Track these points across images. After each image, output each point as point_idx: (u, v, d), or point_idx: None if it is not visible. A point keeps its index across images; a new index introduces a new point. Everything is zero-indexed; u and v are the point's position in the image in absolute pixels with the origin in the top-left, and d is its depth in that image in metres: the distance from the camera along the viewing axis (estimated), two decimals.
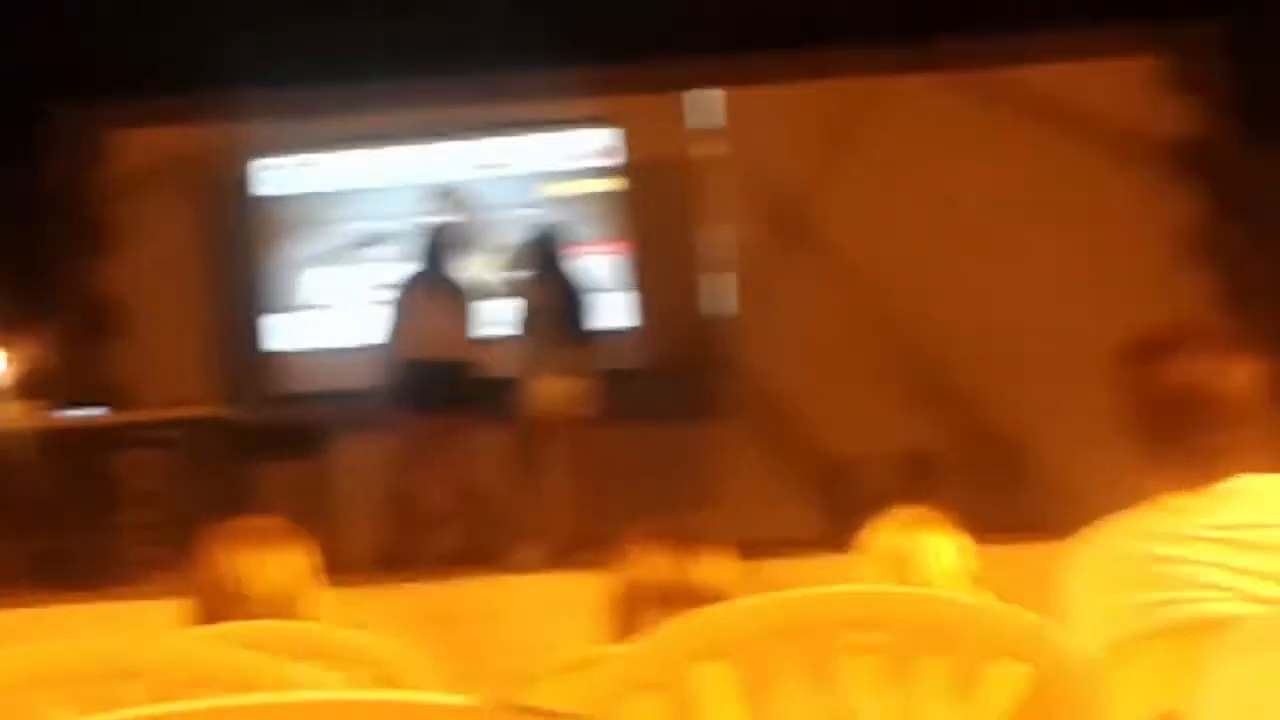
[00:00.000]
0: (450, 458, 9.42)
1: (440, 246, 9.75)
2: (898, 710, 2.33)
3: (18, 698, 2.34)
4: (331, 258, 11.53)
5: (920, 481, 10.38)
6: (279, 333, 11.43)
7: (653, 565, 3.45)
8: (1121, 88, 11.41)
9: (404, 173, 11.54)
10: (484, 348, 9.65)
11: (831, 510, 10.38)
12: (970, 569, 3.83)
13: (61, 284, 12.03)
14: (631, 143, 11.24)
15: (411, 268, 9.76)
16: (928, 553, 3.78)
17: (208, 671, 2.31)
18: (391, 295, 9.67)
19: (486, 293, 10.10)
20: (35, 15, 9.69)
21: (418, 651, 3.09)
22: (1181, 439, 2.91)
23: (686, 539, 3.54)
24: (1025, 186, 11.08)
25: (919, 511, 3.89)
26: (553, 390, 9.34)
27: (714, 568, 3.48)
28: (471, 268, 10.38)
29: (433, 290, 9.45)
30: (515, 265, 10.20)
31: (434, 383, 9.30)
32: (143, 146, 11.83)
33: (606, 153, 11.32)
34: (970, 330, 10.96)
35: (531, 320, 9.45)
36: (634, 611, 3.42)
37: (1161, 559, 2.80)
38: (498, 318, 9.80)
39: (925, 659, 2.32)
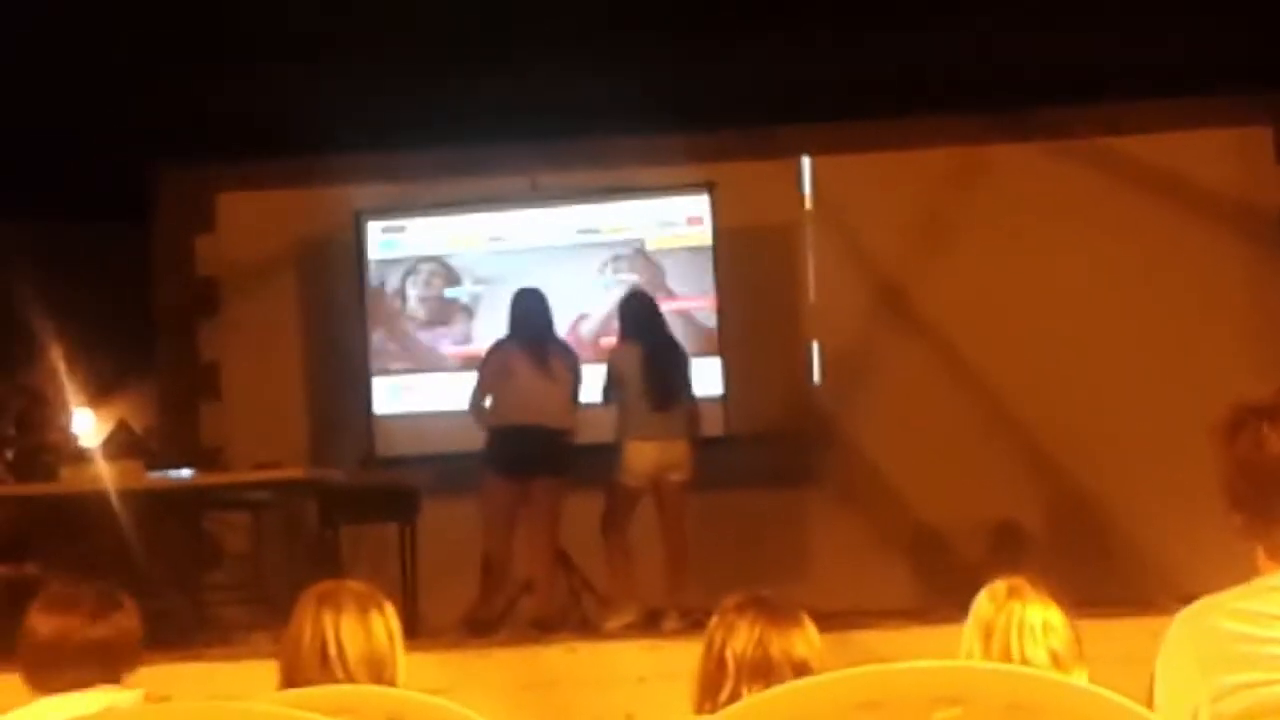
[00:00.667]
0: (541, 523, 9.41)
1: (544, 311, 9.76)
2: None
3: None
4: (436, 320, 11.60)
5: (1013, 554, 10.31)
6: (380, 396, 11.49)
7: (742, 636, 3.44)
8: (1232, 158, 11.33)
9: (508, 236, 11.59)
10: (580, 413, 9.64)
11: (923, 581, 10.32)
12: (1067, 644, 3.77)
13: (164, 344, 12.19)
14: (728, 209, 11.24)
15: (512, 332, 9.78)
16: (1024, 625, 3.72)
17: None
18: (492, 359, 9.68)
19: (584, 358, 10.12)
20: (149, 75, 9.83)
21: (498, 718, 3.08)
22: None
23: (776, 610, 3.53)
24: (1129, 259, 11.00)
25: (1016, 583, 3.83)
26: (647, 456, 9.33)
27: (802, 640, 3.46)
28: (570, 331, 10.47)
29: (532, 355, 9.46)
30: (614, 330, 10.20)
31: (529, 448, 9.30)
32: (252, 209, 11.97)
33: (703, 219, 11.33)
34: (1068, 402, 10.88)
35: (627, 385, 9.45)
36: (722, 683, 3.41)
37: (1253, 640, 2.76)
38: (594, 383, 9.81)
39: None
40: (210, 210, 12.06)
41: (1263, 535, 2.89)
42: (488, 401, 9.51)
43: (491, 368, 9.57)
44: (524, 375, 9.38)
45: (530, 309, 9.75)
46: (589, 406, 9.73)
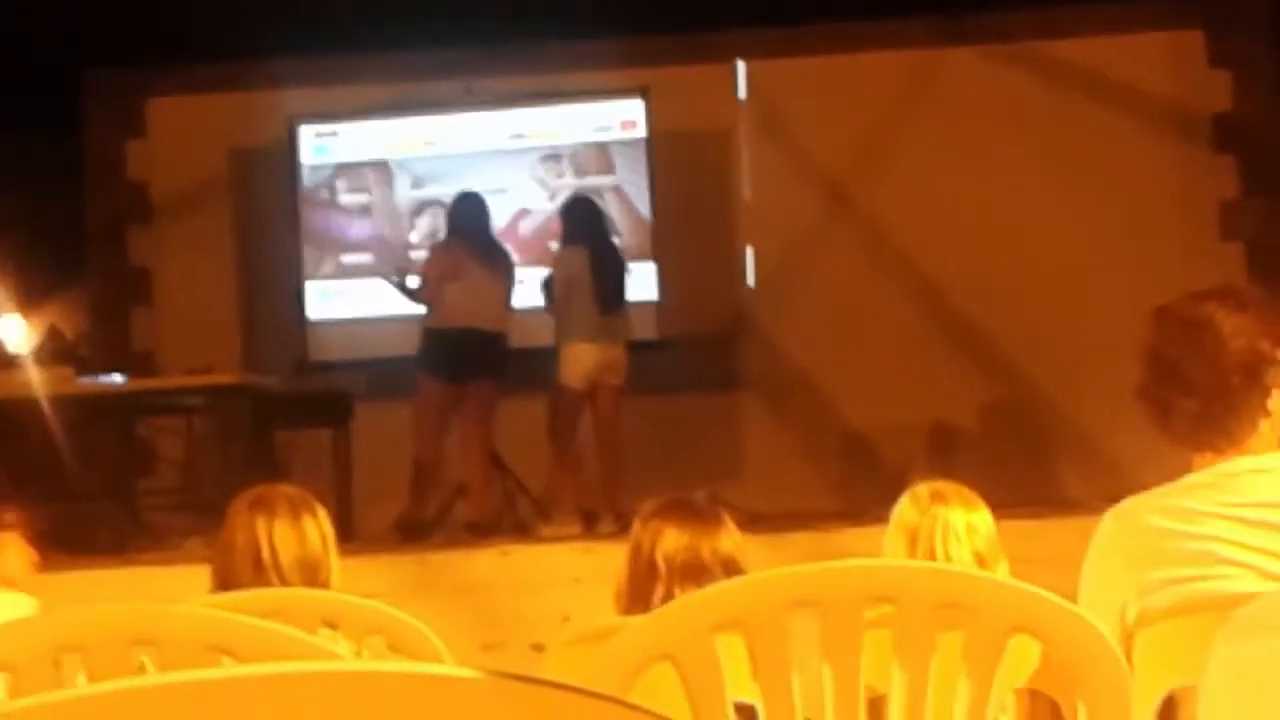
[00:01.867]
0: (475, 427, 9.41)
1: (478, 215, 9.73)
2: (912, 685, 2.33)
3: (38, 664, 2.35)
4: (369, 225, 11.56)
5: (945, 456, 10.40)
6: (312, 302, 11.45)
7: (671, 539, 3.46)
8: (1165, 62, 11.37)
9: (441, 141, 11.54)
10: (517, 317, 9.63)
11: (855, 484, 10.39)
12: (991, 545, 3.82)
13: (95, 250, 12.09)
14: (663, 113, 11.22)
15: (449, 236, 9.75)
16: (948, 528, 3.77)
17: (224, 640, 2.32)
18: (438, 259, 9.64)
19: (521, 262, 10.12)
20: None
21: (432, 622, 3.10)
22: (1207, 405, 2.89)
23: (700, 512, 3.55)
24: (1061, 160, 11.04)
25: (939, 487, 3.88)
26: (587, 359, 9.33)
27: (727, 538, 3.49)
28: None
29: (479, 256, 9.43)
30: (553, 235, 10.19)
31: (467, 351, 9.28)
32: (181, 115, 11.85)
33: (637, 123, 11.31)
34: (1002, 304, 10.94)
35: (565, 290, 9.43)
36: (653, 586, 3.43)
37: (1179, 536, 2.80)
38: (532, 287, 9.80)
39: (940, 634, 2.32)
40: (141, 116, 11.95)
41: (1212, 427, 2.91)
42: (425, 305, 9.48)
43: (437, 268, 9.51)
44: (471, 276, 9.34)
45: (473, 211, 9.72)
46: (528, 310, 9.73)
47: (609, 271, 9.47)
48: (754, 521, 3.67)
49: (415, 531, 9.18)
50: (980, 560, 3.74)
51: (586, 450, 9.49)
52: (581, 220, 9.75)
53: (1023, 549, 4.04)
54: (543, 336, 9.60)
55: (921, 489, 3.85)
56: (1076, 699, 2.24)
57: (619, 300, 9.46)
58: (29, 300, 11.98)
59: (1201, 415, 2.88)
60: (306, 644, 2.33)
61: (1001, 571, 3.71)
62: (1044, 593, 2.29)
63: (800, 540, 7.40)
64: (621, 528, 8.31)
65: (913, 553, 3.73)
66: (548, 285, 9.62)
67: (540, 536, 8.97)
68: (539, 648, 6.47)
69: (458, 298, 9.33)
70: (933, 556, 3.70)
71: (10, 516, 4.19)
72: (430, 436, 9.38)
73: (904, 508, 3.84)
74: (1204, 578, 2.75)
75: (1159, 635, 2.69)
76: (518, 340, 9.60)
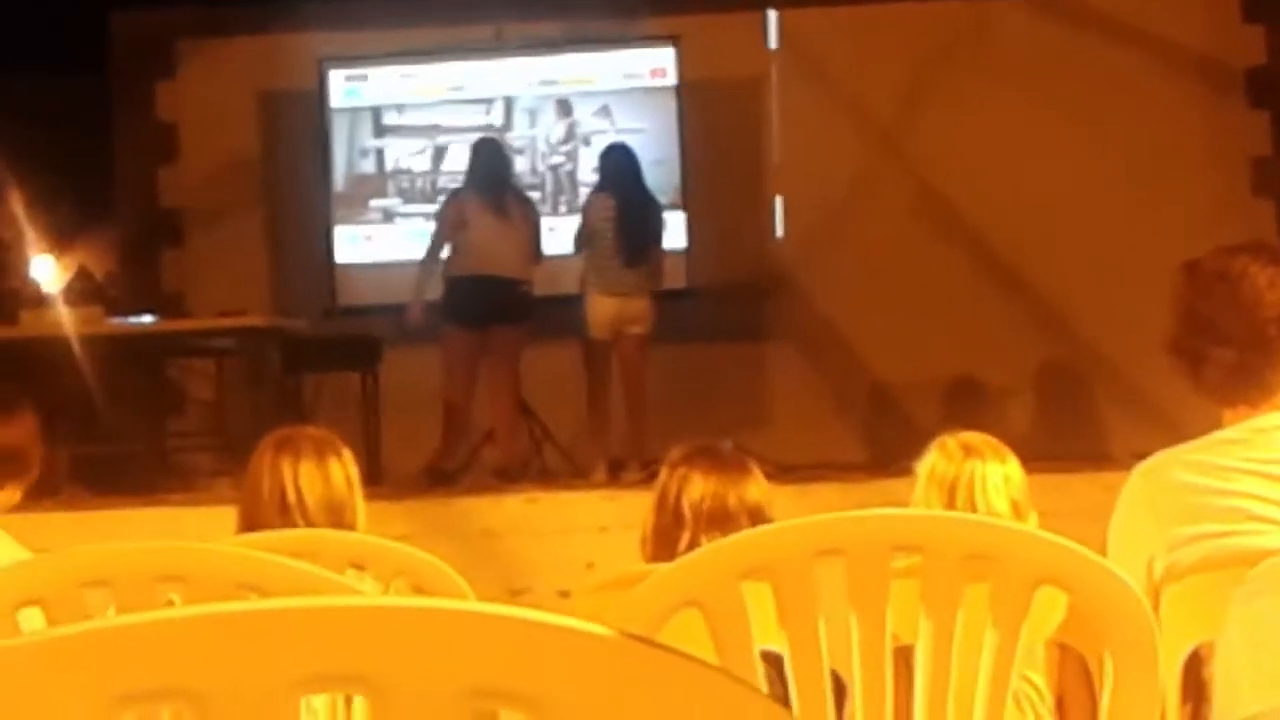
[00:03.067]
0: (500, 374, 9.42)
1: (503, 161, 9.72)
2: (939, 635, 2.33)
3: (64, 598, 2.36)
4: (398, 169, 11.56)
5: (973, 407, 10.37)
6: (341, 246, 11.45)
7: (698, 486, 3.46)
8: (1201, 16, 11.29)
9: (470, 87, 11.52)
10: (543, 265, 9.62)
11: (881, 435, 10.38)
12: (1024, 496, 3.80)
13: (124, 191, 12.10)
14: (693, 62, 11.18)
15: (469, 181, 9.73)
16: (985, 479, 3.75)
17: (252, 577, 2.33)
18: (448, 209, 9.64)
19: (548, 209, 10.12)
20: None
21: (458, 566, 3.10)
22: (1243, 356, 2.88)
23: (726, 459, 3.55)
24: (1094, 113, 10.96)
25: (971, 437, 3.86)
26: (607, 309, 9.32)
27: (755, 487, 3.48)
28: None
29: (489, 204, 9.41)
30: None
31: (486, 298, 9.28)
32: (211, 57, 11.84)
33: (667, 71, 11.27)
34: (1030, 256, 10.91)
35: (591, 238, 9.42)
36: (679, 533, 3.43)
37: (1209, 491, 2.79)
38: (561, 235, 9.78)
39: (967, 584, 2.32)
40: (170, 57, 11.93)
41: (1215, 386, 2.90)
42: (445, 252, 9.48)
43: (448, 218, 9.52)
44: (480, 225, 9.32)
45: (488, 158, 9.69)
46: (559, 257, 9.73)
47: (634, 222, 9.43)
48: (781, 472, 3.67)
49: (443, 477, 9.20)
50: (1017, 511, 3.73)
51: (614, 399, 9.50)
52: (612, 168, 9.72)
53: (1050, 502, 4.03)
54: (573, 284, 9.59)
55: (951, 441, 3.82)
56: (1103, 652, 2.23)
57: (641, 253, 9.41)
58: (59, 240, 12.01)
59: (1238, 367, 2.87)
60: (335, 583, 2.33)
61: (1031, 523, 3.69)
62: (1072, 544, 2.29)
63: (826, 491, 7.41)
64: (647, 476, 8.33)
65: (951, 505, 3.71)
66: (578, 232, 9.60)
67: (567, 483, 8.99)
68: (565, 594, 6.50)
69: (470, 245, 9.33)
70: (972, 508, 3.68)
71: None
72: (459, 383, 9.39)
73: (935, 460, 3.81)
74: (1233, 533, 2.74)
75: (1186, 590, 2.69)
76: (549, 288, 9.59)
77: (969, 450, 3.80)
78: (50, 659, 0.95)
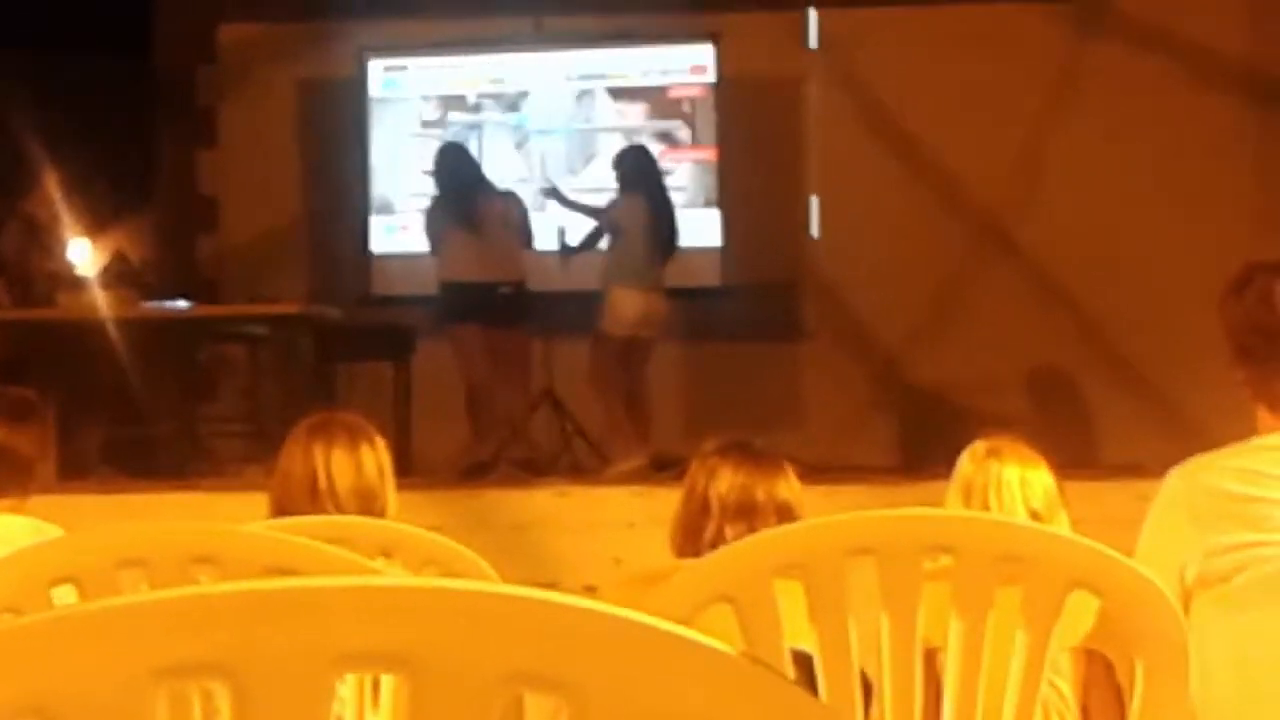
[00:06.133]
0: (512, 374, 9.43)
1: (454, 170, 9.75)
2: (969, 637, 2.32)
3: (98, 577, 2.37)
4: (434, 161, 11.57)
5: (1007, 411, 10.34)
6: (377, 235, 11.48)
7: (725, 479, 3.45)
8: (1244, 22, 11.21)
9: (509, 79, 11.53)
10: (571, 260, 9.62)
11: (913, 438, 10.36)
12: (1049, 502, 3.78)
13: (162, 176, 12.14)
14: (732, 60, 11.18)
15: (440, 193, 9.76)
16: (1001, 483, 3.73)
17: (285, 561, 2.33)
18: (427, 219, 9.71)
19: (570, 206, 10.12)
20: None
21: (486, 558, 3.10)
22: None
23: (758, 454, 3.54)
24: (1132, 120, 10.88)
25: (996, 443, 3.84)
26: (635, 305, 9.32)
27: (785, 484, 3.48)
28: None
29: (457, 214, 9.44)
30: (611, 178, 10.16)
31: (474, 306, 9.32)
32: (252, 42, 11.87)
33: (707, 68, 11.27)
34: (1067, 262, 10.85)
35: (627, 236, 9.42)
36: (704, 525, 3.43)
37: (1245, 499, 2.78)
38: (580, 230, 9.79)
39: (997, 587, 2.31)
40: (212, 41, 11.96)
41: (1265, 392, 2.90)
42: (438, 256, 9.58)
43: (429, 228, 9.63)
44: (451, 238, 9.39)
45: (451, 166, 9.73)
46: (586, 253, 9.73)
47: (665, 222, 9.45)
48: (812, 473, 3.65)
49: (479, 469, 9.20)
50: (1036, 517, 3.70)
51: (642, 395, 9.49)
52: (637, 168, 9.73)
53: (1080, 510, 4.01)
54: (583, 281, 9.59)
55: (979, 445, 3.81)
56: (1134, 656, 2.22)
57: (674, 248, 9.45)
58: (96, 224, 12.05)
59: None
60: (368, 569, 2.34)
61: (1060, 525, 3.67)
62: (1105, 548, 2.28)
63: (856, 493, 7.39)
64: (675, 475, 8.33)
65: (968, 508, 3.70)
66: (602, 231, 9.60)
67: (597, 478, 8.98)
68: (591, 589, 6.49)
69: (446, 256, 9.43)
70: (996, 512, 3.66)
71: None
72: (477, 373, 9.42)
73: (963, 462, 3.80)
74: (1267, 543, 2.73)
75: (1209, 596, 2.69)
76: (578, 283, 9.58)
77: (992, 453, 3.78)
78: (88, 632, 0.95)
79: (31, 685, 0.94)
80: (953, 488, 3.80)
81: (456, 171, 9.67)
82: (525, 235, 9.59)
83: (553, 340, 9.96)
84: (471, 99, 11.55)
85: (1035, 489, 3.74)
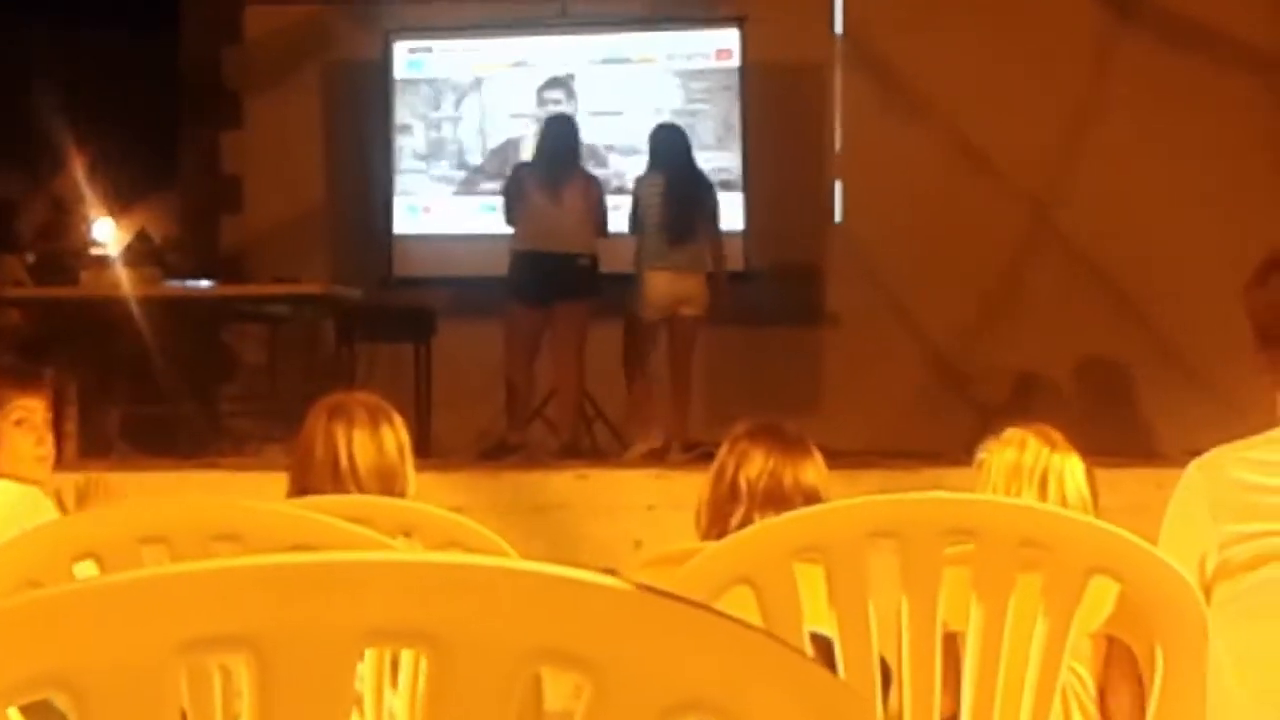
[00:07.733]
0: (565, 348, 9.41)
1: (568, 139, 9.71)
2: (989, 621, 2.32)
3: (121, 552, 2.37)
4: (458, 143, 11.58)
5: (1030, 398, 10.33)
6: (400, 217, 11.49)
7: (756, 463, 3.46)
8: (1269, 14, 11.16)
9: (533, 62, 11.52)
10: (602, 242, 9.61)
11: (937, 424, 10.33)
12: (1083, 491, 3.75)
13: (186, 155, 12.17)
14: (758, 44, 11.16)
15: (536, 157, 9.74)
16: (1038, 472, 3.70)
17: (305, 538, 2.34)
18: (509, 182, 9.67)
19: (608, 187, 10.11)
20: None
21: (505, 539, 3.10)
22: None
23: (787, 438, 3.54)
24: (1161, 110, 10.83)
25: (1045, 430, 3.80)
26: (660, 287, 9.30)
27: (812, 468, 3.48)
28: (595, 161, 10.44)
29: (545, 181, 9.41)
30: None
31: (546, 274, 9.28)
32: (279, 22, 11.89)
33: (733, 52, 11.26)
34: (1094, 249, 10.82)
35: (642, 217, 9.40)
36: (733, 509, 3.43)
37: (1264, 490, 2.77)
38: (619, 213, 9.78)
39: (1018, 572, 2.31)
40: (238, 22, 11.97)
41: None
42: (511, 226, 9.51)
43: (509, 190, 9.58)
44: (535, 201, 9.35)
45: (553, 136, 9.70)
46: (616, 236, 9.72)
47: (680, 200, 9.39)
48: (833, 457, 3.64)
49: (506, 450, 9.20)
50: (1085, 504, 3.68)
51: (660, 381, 9.47)
52: (663, 147, 9.71)
53: (1100, 498, 4.00)
54: (624, 263, 9.58)
55: (1013, 432, 3.77)
56: (1154, 643, 2.22)
57: (690, 231, 9.38)
58: (120, 202, 12.08)
59: None
60: (389, 548, 2.34)
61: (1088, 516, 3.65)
62: (1126, 533, 2.28)
63: (878, 478, 7.37)
64: (694, 457, 8.33)
65: (1018, 494, 3.65)
66: (632, 212, 9.60)
67: (618, 461, 8.98)
68: (611, 571, 6.48)
69: (527, 221, 9.38)
70: (1044, 499, 3.62)
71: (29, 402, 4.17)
72: (519, 361, 9.40)
73: (1004, 451, 3.74)
74: (1274, 533, 2.72)
75: (1223, 587, 2.68)
76: (607, 266, 9.57)
77: (1044, 437, 3.74)
78: (113, 604, 0.95)
79: (55, 658, 0.94)
80: (993, 475, 3.73)
81: (558, 140, 9.66)
82: (601, 217, 9.57)
83: None
84: (496, 80, 11.54)
85: (1082, 476, 3.71)
